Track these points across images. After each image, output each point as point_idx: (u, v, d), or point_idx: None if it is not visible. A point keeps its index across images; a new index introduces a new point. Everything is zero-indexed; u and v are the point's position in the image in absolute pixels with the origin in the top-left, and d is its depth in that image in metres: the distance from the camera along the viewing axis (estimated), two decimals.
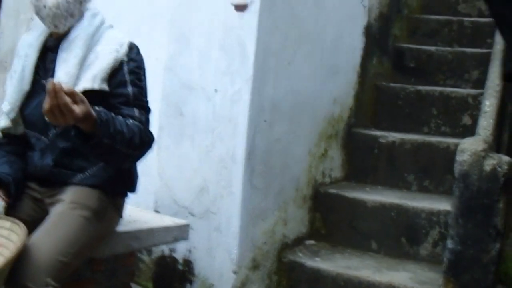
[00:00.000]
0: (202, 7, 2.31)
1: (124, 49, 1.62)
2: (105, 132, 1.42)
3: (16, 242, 1.36)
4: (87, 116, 1.35)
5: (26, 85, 1.64)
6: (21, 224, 1.42)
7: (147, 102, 1.65)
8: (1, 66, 3.09)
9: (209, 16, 2.29)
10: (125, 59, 1.61)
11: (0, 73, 3.08)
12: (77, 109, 1.31)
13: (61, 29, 1.61)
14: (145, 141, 1.57)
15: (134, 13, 2.55)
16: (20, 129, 1.69)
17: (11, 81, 1.67)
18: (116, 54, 1.60)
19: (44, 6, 1.56)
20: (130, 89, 1.60)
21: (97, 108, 1.42)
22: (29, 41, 1.68)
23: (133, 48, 1.65)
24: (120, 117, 1.51)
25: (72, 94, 1.31)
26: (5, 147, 1.70)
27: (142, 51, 1.70)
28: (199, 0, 2.32)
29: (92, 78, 1.56)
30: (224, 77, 2.24)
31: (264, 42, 2.21)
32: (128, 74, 1.61)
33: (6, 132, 1.70)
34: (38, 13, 1.59)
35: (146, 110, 1.63)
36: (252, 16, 2.18)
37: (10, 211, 1.57)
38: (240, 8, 2.19)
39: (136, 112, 1.58)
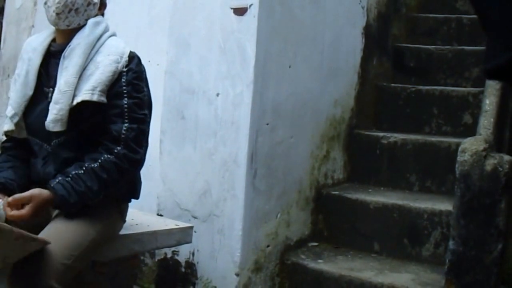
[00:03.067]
0: (201, 11, 2.32)
1: (124, 60, 1.61)
2: (67, 204, 1.52)
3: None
4: (39, 207, 1.48)
5: (30, 90, 1.64)
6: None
7: (144, 114, 1.63)
8: (4, 73, 3.11)
9: (208, 20, 2.30)
10: (125, 69, 1.61)
11: (3, 79, 3.09)
12: (23, 212, 1.45)
13: (62, 23, 1.61)
14: (124, 168, 1.57)
15: (134, 19, 2.55)
16: (23, 133, 1.70)
17: (15, 86, 1.68)
18: (116, 65, 1.60)
19: None
20: (125, 101, 1.59)
21: (53, 183, 1.51)
22: (33, 46, 1.69)
23: (133, 58, 1.64)
24: (86, 166, 1.54)
25: (18, 202, 1.46)
26: (9, 152, 1.71)
27: (143, 57, 1.70)
28: (198, 4, 2.33)
29: (91, 90, 1.57)
30: (225, 81, 2.25)
31: (264, 45, 2.22)
32: (126, 85, 1.60)
33: (10, 135, 1.71)
34: (46, 2, 1.62)
35: (141, 122, 1.61)
36: (251, 19, 2.18)
37: None
38: (239, 11, 2.20)
39: (124, 127, 1.58)
